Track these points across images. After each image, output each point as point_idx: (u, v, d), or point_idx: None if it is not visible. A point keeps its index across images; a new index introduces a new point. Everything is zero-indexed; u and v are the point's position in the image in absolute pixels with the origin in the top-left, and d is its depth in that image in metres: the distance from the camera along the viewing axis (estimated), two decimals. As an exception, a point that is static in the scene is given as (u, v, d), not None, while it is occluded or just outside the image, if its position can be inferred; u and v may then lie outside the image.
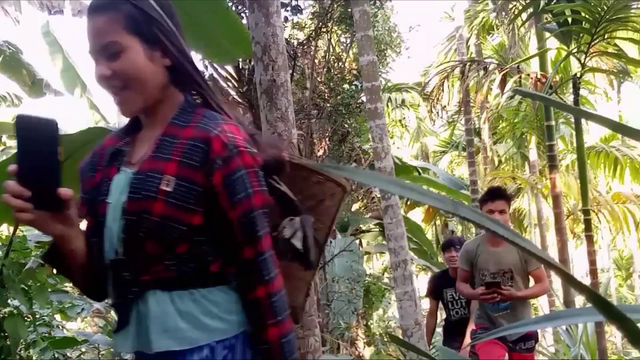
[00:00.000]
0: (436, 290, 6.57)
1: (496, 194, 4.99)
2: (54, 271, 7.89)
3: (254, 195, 1.64)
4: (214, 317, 1.64)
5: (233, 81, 8.64)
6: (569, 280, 0.83)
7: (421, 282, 19.35)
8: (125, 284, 1.66)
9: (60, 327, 7.27)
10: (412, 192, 0.79)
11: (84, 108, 13.76)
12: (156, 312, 1.63)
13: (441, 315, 7.27)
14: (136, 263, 1.65)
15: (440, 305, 6.72)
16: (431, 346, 7.06)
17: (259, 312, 1.63)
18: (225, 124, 1.66)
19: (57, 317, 7.63)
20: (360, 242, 12.50)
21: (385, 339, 10.01)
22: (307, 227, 1.80)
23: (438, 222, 17.78)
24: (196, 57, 8.53)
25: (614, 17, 6.49)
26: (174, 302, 1.63)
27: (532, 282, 5.03)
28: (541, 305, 12.33)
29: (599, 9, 6.41)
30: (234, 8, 7.80)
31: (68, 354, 6.71)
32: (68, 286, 9.41)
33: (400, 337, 6.62)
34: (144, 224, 1.61)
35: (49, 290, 6.00)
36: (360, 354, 9.80)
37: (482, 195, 5.22)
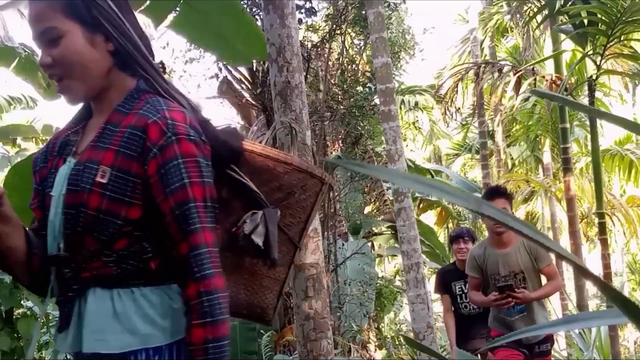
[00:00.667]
0: (445, 284, 6.23)
1: (495, 193, 4.84)
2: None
3: (191, 187, 1.51)
4: (148, 320, 1.53)
5: (247, 83, 8.66)
6: (594, 280, 0.81)
7: (433, 286, 19.30)
8: (67, 281, 1.58)
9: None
10: (436, 190, 0.78)
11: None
12: (92, 311, 1.54)
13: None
14: (77, 259, 1.56)
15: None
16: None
17: (187, 311, 1.50)
18: (169, 110, 1.55)
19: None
20: (373, 244, 12.47)
21: (397, 342, 9.97)
22: (270, 221, 1.72)
23: (450, 225, 17.70)
24: (211, 59, 8.58)
25: (630, 19, 6.44)
26: (113, 300, 1.53)
27: (544, 281, 4.86)
28: (554, 308, 12.27)
29: (615, 11, 6.37)
30: (248, 10, 7.82)
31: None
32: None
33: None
34: (81, 218, 1.53)
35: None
36: (372, 357, 9.78)
37: (482, 195, 5.08)
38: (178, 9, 4.27)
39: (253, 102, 8.81)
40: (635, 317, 0.85)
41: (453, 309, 6.27)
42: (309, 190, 1.88)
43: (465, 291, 5.85)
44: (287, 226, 1.85)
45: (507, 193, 5.01)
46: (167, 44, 8.23)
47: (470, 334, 5.70)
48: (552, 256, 4.91)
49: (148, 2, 4.08)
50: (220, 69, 8.57)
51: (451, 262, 6.79)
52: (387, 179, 0.76)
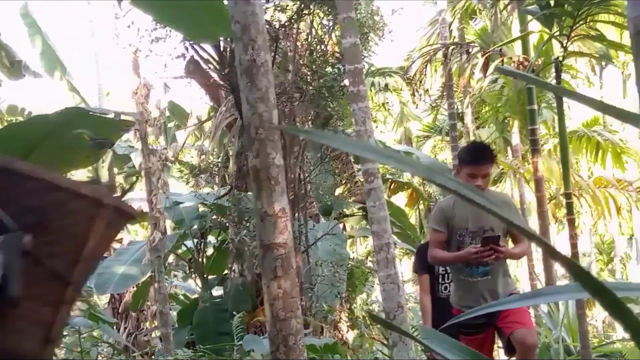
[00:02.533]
0: (427, 262, 5.55)
1: (482, 156, 4.32)
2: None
3: None
4: None
5: (214, 63, 8.57)
6: (550, 252, 0.80)
7: (404, 266, 19.42)
8: None
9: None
10: (388, 159, 0.76)
11: (64, 90, 13.61)
12: None
13: None
14: None
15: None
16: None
17: None
18: None
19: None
20: (344, 226, 12.51)
21: (369, 322, 10.03)
22: (10, 250, 1.41)
23: (421, 206, 17.81)
24: (177, 38, 8.45)
25: (596, 1, 6.48)
26: None
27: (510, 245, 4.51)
28: (523, 288, 12.42)
29: (582, -9, 6.39)
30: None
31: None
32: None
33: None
34: None
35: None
36: (344, 337, 9.83)
37: (464, 153, 4.46)
38: (141, -15, 4.20)
39: (221, 82, 8.72)
40: (596, 292, 0.84)
41: (432, 291, 5.78)
42: (75, 214, 1.55)
43: (448, 271, 5.44)
44: (49, 257, 1.54)
45: (493, 154, 4.54)
46: (132, 23, 8.06)
47: (448, 318, 5.35)
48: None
49: (110, -22, 3.99)
50: (187, 49, 8.45)
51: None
52: (340, 147, 0.74)
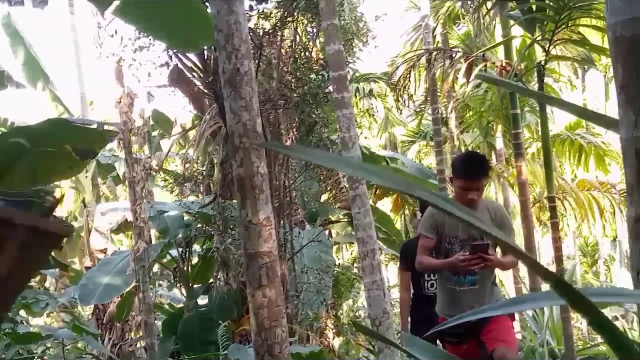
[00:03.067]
0: (410, 260, 5.50)
1: (476, 171, 4.23)
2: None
3: None
4: None
5: (198, 71, 8.54)
6: (529, 263, 0.80)
7: (390, 272, 19.42)
8: None
9: (25, 323, 7.17)
10: (364, 172, 0.76)
11: (47, 101, 13.53)
12: None
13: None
14: None
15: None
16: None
17: None
18: None
19: (22, 312, 7.51)
20: (330, 232, 12.50)
21: (355, 329, 10.02)
22: None
23: (407, 211, 17.85)
24: (161, 47, 8.42)
25: (577, 5, 6.54)
26: None
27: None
28: (508, 292, 12.47)
29: (563, -3, 6.45)
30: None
31: (33, 349, 6.61)
32: (33, 281, 9.27)
33: (369, 326, 6.63)
34: None
35: (12, 285, 5.90)
36: (330, 344, 9.81)
37: (458, 166, 4.32)
38: (123, -6, 4.18)
39: (205, 91, 8.70)
40: (568, 296, 0.84)
41: (414, 289, 5.94)
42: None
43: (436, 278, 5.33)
44: None
45: (488, 167, 4.51)
46: (115, 32, 8.03)
47: (434, 317, 5.07)
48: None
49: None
50: (170, 57, 8.43)
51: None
52: (318, 162, 0.74)
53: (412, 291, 6.12)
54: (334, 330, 10.12)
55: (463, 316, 1.51)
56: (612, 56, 2.07)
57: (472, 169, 4.24)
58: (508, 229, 4.39)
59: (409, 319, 6.11)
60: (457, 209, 0.77)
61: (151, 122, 12.40)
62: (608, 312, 14.55)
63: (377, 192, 15.57)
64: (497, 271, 5.01)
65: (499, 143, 13.91)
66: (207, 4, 6.81)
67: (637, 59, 1.94)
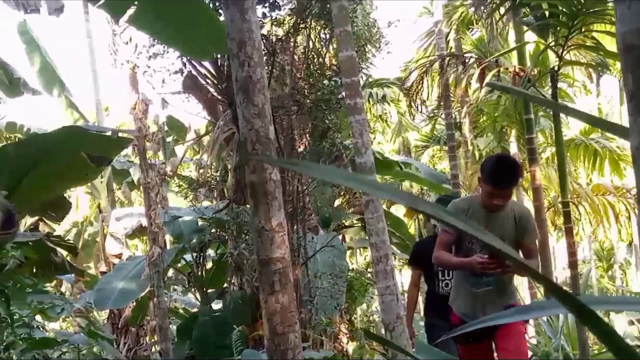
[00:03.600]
0: (422, 258, 5.54)
1: (506, 182, 4.08)
2: (33, 271, 7.81)
3: None
4: None
5: (212, 78, 8.61)
6: (530, 273, 0.82)
7: (404, 277, 19.39)
8: None
9: (41, 328, 7.23)
10: (370, 187, 0.78)
11: (62, 107, 13.66)
12: None
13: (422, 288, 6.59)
14: None
15: (423, 278, 6.02)
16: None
17: None
18: None
19: (38, 317, 7.58)
20: (343, 237, 12.51)
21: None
22: None
23: (421, 216, 17.81)
24: (175, 54, 8.50)
25: (590, 10, 6.52)
26: None
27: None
28: (523, 297, 12.43)
29: (576, 2, 6.44)
30: (211, 4, 7.75)
31: (49, 354, 6.66)
32: (48, 286, 9.35)
33: (382, 331, 6.64)
34: None
35: (29, 290, 5.96)
36: (344, 349, 9.82)
37: (488, 172, 4.12)
38: (136, 3, 4.23)
39: (219, 97, 8.76)
40: (571, 305, 0.86)
41: (428, 288, 5.83)
42: None
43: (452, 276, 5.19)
44: None
45: (518, 176, 4.26)
46: (130, 39, 8.11)
47: (448, 317, 4.87)
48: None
49: (106, -2, 4.04)
50: (184, 64, 8.50)
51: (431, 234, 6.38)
52: (322, 177, 0.76)
53: (424, 290, 6.10)
54: (348, 335, 10.13)
55: (474, 323, 1.53)
56: (621, 65, 2.08)
57: (502, 178, 4.08)
58: (530, 233, 4.24)
59: (425, 319, 6.07)
60: (460, 222, 0.79)
61: (165, 128, 12.50)
62: (623, 317, 14.47)
63: (390, 197, 15.54)
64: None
65: (513, 148, 13.87)
66: (220, 11, 6.88)
67: (646, 68, 1.95)
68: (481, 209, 4.15)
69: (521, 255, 4.21)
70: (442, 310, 4.90)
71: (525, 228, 4.20)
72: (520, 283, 13.23)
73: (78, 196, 13.72)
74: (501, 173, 4.07)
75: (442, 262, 4.44)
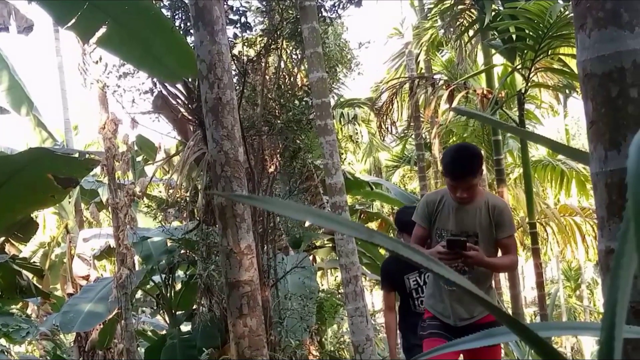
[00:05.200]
0: (393, 278, 5.19)
1: (461, 173, 3.82)
2: (-1, 294, 7.67)
3: None
4: None
5: (182, 98, 8.57)
6: (481, 302, 0.83)
7: (375, 297, 19.38)
8: None
9: (5, 352, 7.09)
10: (327, 221, 0.78)
11: (30, 126, 13.50)
12: None
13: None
14: None
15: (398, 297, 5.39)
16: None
17: None
18: None
19: (3, 340, 7.44)
20: (314, 258, 12.49)
21: (339, 355, 9.99)
22: None
23: (392, 236, 17.86)
24: (145, 74, 8.46)
25: (556, 34, 6.67)
26: None
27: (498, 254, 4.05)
28: (504, 292, 12.48)
29: (542, 26, 6.57)
30: (182, 25, 7.74)
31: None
32: (14, 308, 9.19)
33: (353, 353, 6.62)
34: None
35: (-7, 313, 5.86)
36: (314, 371, 9.77)
37: (444, 164, 3.94)
38: (105, 26, 4.21)
39: (189, 117, 8.72)
40: (520, 332, 0.87)
41: (402, 309, 5.33)
42: None
43: (422, 284, 5.05)
44: None
45: (475, 165, 3.87)
46: (100, 59, 8.04)
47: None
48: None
49: (74, 20, 4.01)
50: (155, 84, 8.44)
51: None
52: (280, 212, 0.77)
53: (398, 312, 5.46)
54: (318, 357, 10.07)
55: (442, 347, 1.52)
56: (582, 92, 2.13)
57: (458, 169, 3.82)
58: (506, 226, 3.94)
59: (401, 340, 5.51)
60: (416, 254, 0.80)
61: (135, 148, 12.40)
62: (592, 338, 14.62)
63: (362, 217, 15.61)
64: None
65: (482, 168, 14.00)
66: (190, 32, 6.87)
67: (606, 95, 1.99)
68: (452, 201, 3.93)
69: (499, 252, 4.03)
70: (416, 330, 4.51)
71: (498, 221, 3.92)
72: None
73: (45, 216, 13.54)
74: (457, 164, 3.83)
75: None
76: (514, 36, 7.08)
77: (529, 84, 7.34)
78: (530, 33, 6.66)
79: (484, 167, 13.41)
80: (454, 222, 3.94)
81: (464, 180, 3.79)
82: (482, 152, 12.86)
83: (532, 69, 7.10)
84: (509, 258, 3.99)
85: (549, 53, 7.20)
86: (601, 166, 2.01)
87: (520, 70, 7.27)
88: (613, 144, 1.99)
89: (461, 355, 3.98)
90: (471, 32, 8.97)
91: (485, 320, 3.91)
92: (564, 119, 18.47)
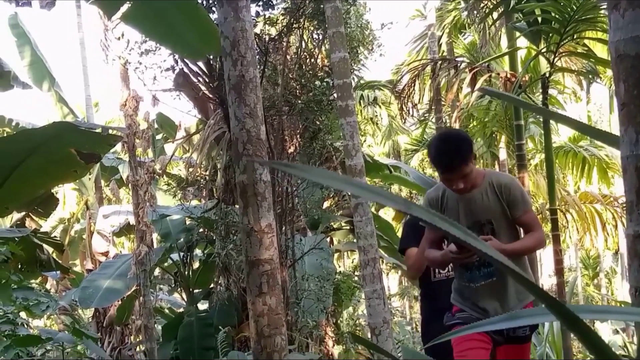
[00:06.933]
0: (415, 238, 4.36)
1: (450, 166, 3.49)
2: (19, 267, 7.75)
3: None
4: None
5: (204, 76, 8.57)
6: (520, 280, 0.81)
7: (391, 281, 19.40)
8: None
9: (25, 325, 7.17)
10: (366, 192, 0.76)
11: (52, 102, 13.57)
12: None
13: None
14: None
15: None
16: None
17: None
18: None
19: (23, 314, 7.53)
20: (331, 239, 12.49)
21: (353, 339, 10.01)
22: None
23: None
24: (167, 51, 8.46)
25: (583, 18, 6.56)
26: None
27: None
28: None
29: (569, 9, 6.47)
30: (204, 3, 7.72)
31: (33, 352, 6.61)
32: (33, 283, 9.29)
33: (369, 335, 6.63)
34: None
35: (14, 287, 5.91)
36: (329, 352, 9.80)
37: (430, 154, 3.65)
38: (129, 1, 4.20)
39: (210, 96, 8.72)
40: (559, 313, 0.85)
41: (420, 278, 4.60)
42: None
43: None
44: None
45: (464, 155, 3.49)
46: (122, 35, 8.04)
47: (445, 311, 3.90)
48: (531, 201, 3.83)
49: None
50: (176, 61, 8.45)
51: None
52: (318, 180, 0.75)
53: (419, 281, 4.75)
54: (334, 339, 10.10)
55: (466, 328, 1.50)
56: (614, 73, 2.08)
57: (446, 161, 3.50)
58: (519, 202, 3.59)
59: (421, 318, 4.84)
60: (454, 229, 0.78)
61: (155, 126, 12.44)
62: (609, 325, 14.54)
63: (379, 200, 15.55)
64: None
65: (502, 154, 13.90)
66: (214, 9, 6.85)
67: (639, 77, 1.95)
68: (454, 193, 3.61)
69: (522, 232, 3.72)
70: (439, 299, 4.12)
71: (509, 200, 3.58)
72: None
73: (65, 193, 13.64)
74: (444, 156, 3.51)
75: (429, 261, 3.86)
76: (539, 19, 6.97)
77: (553, 69, 7.24)
78: (557, 16, 6.56)
79: (505, 153, 13.28)
80: (463, 215, 3.61)
81: (457, 171, 3.47)
82: (504, 137, 12.82)
83: (557, 53, 7.00)
84: (533, 237, 3.61)
85: (575, 37, 7.09)
86: (632, 149, 1.96)
87: (544, 53, 7.16)
88: (645, 126, 1.94)
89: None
90: (495, 15, 8.85)
91: None
92: (586, 105, 18.26)
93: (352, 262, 18.05)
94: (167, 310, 12.29)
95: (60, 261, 9.43)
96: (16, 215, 10.96)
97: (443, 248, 3.66)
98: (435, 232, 3.63)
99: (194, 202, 10.51)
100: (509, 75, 8.48)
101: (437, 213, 0.80)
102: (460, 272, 3.70)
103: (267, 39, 8.68)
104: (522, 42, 9.04)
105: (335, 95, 7.19)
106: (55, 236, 11.39)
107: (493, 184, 3.59)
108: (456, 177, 3.48)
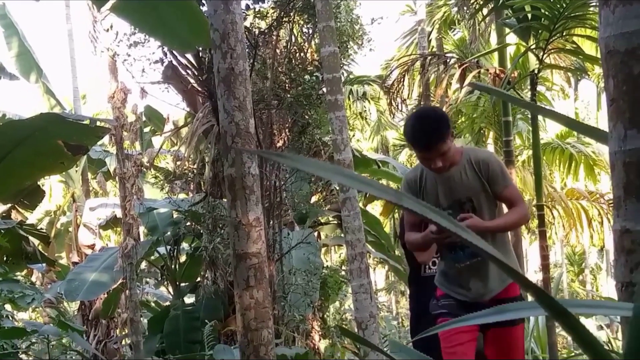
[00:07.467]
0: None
1: (427, 143, 3.42)
2: (4, 259, 7.70)
3: None
4: None
5: (193, 69, 8.53)
6: (511, 273, 0.81)
7: (378, 276, 19.43)
8: None
9: (10, 317, 7.13)
10: (357, 182, 0.76)
11: (39, 93, 13.48)
12: None
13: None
14: None
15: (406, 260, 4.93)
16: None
17: None
18: None
19: (8, 306, 7.48)
20: (319, 234, 12.49)
21: (340, 332, 10.03)
22: None
23: (396, 215, 17.86)
24: (156, 43, 8.41)
25: (572, 15, 6.58)
26: None
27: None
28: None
29: (558, 6, 6.49)
30: (194, -5, 7.67)
31: (18, 345, 6.58)
32: (19, 275, 9.24)
33: (356, 329, 6.64)
34: None
35: (-1, 279, 5.88)
36: (316, 346, 9.81)
37: (406, 132, 3.59)
38: (119, -9, 4.18)
39: (199, 88, 8.68)
40: (548, 306, 0.85)
41: (410, 272, 4.76)
42: None
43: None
44: None
45: (441, 133, 3.42)
46: (111, 26, 7.99)
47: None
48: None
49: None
50: (165, 54, 8.40)
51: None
52: (309, 170, 0.75)
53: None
54: (320, 333, 10.12)
55: (455, 321, 1.50)
56: (603, 69, 2.08)
57: (424, 139, 3.43)
58: (499, 177, 3.52)
59: (410, 311, 4.82)
60: (448, 222, 0.77)
61: (143, 118, 12.38)
62: (593, 322, 14.63)
63: (367, 196, 15.58)
64: None
65: (490, 149, 13.94)
66: (204, 2, 6.81)
67: (628, 73, 1.95)
68: (432, 173, 3.55)
69: (504, 208, 3.67)
70: (429, 294, 4.00)
71: (489, 175, 3.50)
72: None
73: (52, 185, 13.56)
74: (420, 134, 3.45)
75: (410, 243, 3.80)
76: (529, 15, 7.00)
77: (542, 65, 7.27)
78: (546, 12, 6.58)
79: (493, 149, 13.33)
80: (442, 195, 3.55)
81: (435, 149, 3.39)
82: (492, 133, 12.86)
83: (546, 50, 7.02)
84: (516, 212, 3.53)
85: (564, 34, 7.12)
86: (620, 145, 1.97)
87: (533, 50, 7.19)
88: (633, 122, 1.94)
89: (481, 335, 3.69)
90: (485, 11, 8.87)
91: (505, 295, 3.54)
92: (574, 102, 18.35)
93: (340, 256, 18.08)
94: (153, 304, 12.25)
95: (46, 254, 9.37)
96: (2, 207, 10.88)
97: (422, 229, 3.57)
98: (415, 216, 3.42)
99: (182, 196, 10.47)
100: (498, 72, 8.51)
101: (427, 205, 0.80)
102: (445, 253, 3.66)
103: (257, 32, 8.65)
104: (511, 38, 9.07)
105: (324, 89, 7.19)
106: (41, 228, 11.32)
107: (471, 161, 3.53)
108: (434, 155, 3.41)
